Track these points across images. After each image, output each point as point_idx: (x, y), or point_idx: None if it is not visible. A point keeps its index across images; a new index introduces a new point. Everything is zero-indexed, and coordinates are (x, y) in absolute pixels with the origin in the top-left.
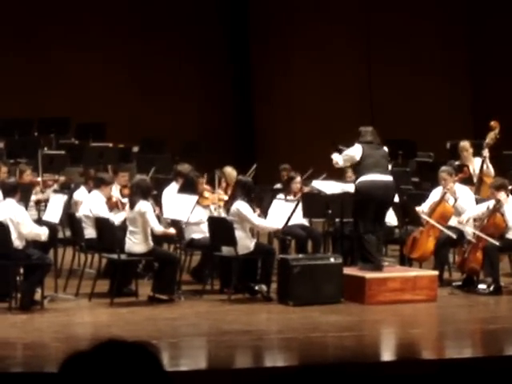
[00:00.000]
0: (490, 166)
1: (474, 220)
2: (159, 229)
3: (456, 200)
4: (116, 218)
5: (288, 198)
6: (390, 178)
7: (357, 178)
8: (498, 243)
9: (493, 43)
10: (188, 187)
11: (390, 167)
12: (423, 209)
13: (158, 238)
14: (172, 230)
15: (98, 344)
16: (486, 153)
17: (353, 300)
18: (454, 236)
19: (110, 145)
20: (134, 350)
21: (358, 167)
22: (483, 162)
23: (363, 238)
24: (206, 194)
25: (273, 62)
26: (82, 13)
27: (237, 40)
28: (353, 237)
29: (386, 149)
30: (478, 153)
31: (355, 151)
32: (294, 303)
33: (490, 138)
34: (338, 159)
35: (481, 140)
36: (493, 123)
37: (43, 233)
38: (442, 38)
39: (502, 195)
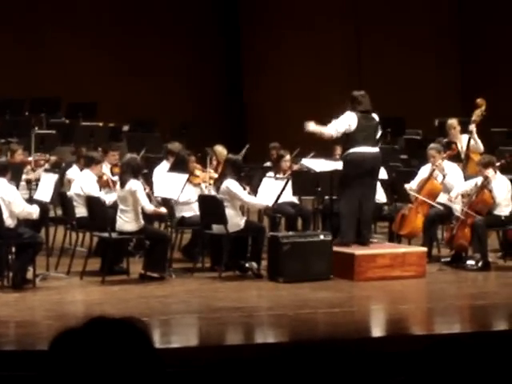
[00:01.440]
0: (479, 142)
1: (462, 196)
2: (150, 207)
3: (444, 177)
4: (107, 198)
5: (278, 176)
6: (377, 149)
7: (345, 150)
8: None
9: (482, 19)
10: (179, 166)
11: (379, 134)
12: (411, 186)
13: (149, 217)
14: (163, 209)
15: (86, 321)
16: (472, 129)
17: (342, 277)
18: (441, 208)
19: (101, 124)
20: (122, 327)
21: (348, 139)
22: (470, 138)
23: (341, 211)
24: (197, 172)
25: (263, 41)
26: None
27: (227, 18)
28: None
29: (377, 118)
30: (465, 130)
31: (350, 120)
32: (284, 280)
33: (477, 115)
34: (329, 130)
35: (468, 117)
36: (479, 100)
37: (35, 211)
38: (430, 13)
39: (489, 172)
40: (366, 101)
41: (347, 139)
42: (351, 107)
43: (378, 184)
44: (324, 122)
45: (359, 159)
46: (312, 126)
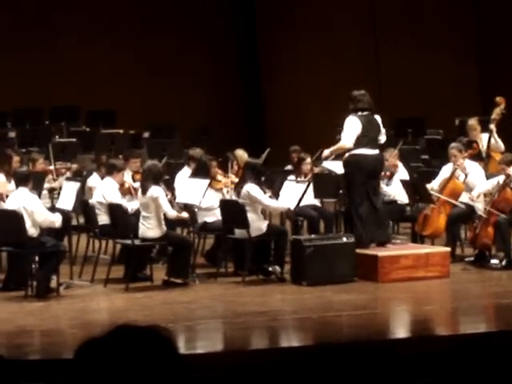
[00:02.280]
0: (499, 141)
1: (485, 195)
2: (172, 213)
3: (466, 176)
4: (129, 206)
5: (299, 179)
6: (377, 151)
7: (347, 151)
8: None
9: (500, 18)
10: (201, 171)
11: (383, 136)
12: (433, 186)
13: (172, 223)
14: (185, 214)
15: (111, 329)
16: (492, 128)
17: (366, 278)
18: (464, 207)
19: (121, 131)
20: (146, 335)
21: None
22: (490, 137)
23: (356, 212)
24: (219, 177)
25: (280, 42)
26: (88, 5)
27: (244, 21)
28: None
29: (379, 119)
30: (485, 129)
31: (355, 126)
32: (307, 283)
33: (496, 113)
34: (344, 143)
35: (488, 116)
36: (498, 99)
37: (57, 219)
38: (449, 12)
39: (511, 170)
40: (366, 99)
41: None
42: (352, 107)
43: (400, 185)
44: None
45: (361, 161)
46: (326, 152)
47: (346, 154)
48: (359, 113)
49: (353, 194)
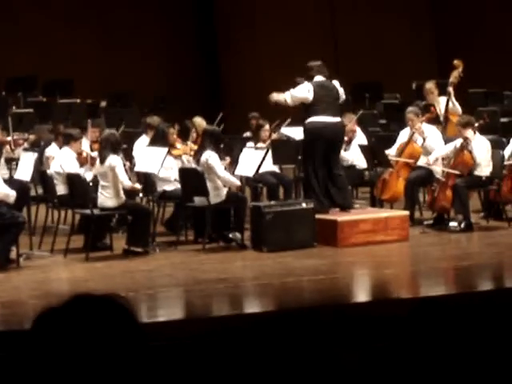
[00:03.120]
0: (456, 104)
1: (443, 159)
2: (128, 183)
3: (424, 140)
4: (87, 176)
5: (257, 145)
6: (338, 119)
7: (305, 119)
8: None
9: None
10: (159, 139)
11: (343, 97)
12: (391, 152)
13: (130, 192)
14: (137, 185)
15: (68, 299)
16: (450, 91)
17: (326, 244)
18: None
19: (78, 101)
20: (103, 303)
21: (309, 109)
22: (448, 100)
23: (311, 178)
24: (178, 144)
25: (236, 10)
26: None
27: None
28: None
29: (338, 85)
30: (443, 92)
31: (305, 92)
32: (267, 249)
33: (454, 76)
34: (285, 96)
35: (445, 79)
36: (456, 62)
37: (11, 194)
38: None
39: (469, 133)
40: (322, 70)
41: (306, 109)
42: (307, 77)
43: (358, 150)
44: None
45: (318, 129)
46: (274, 96)
47: (305, 121)
48: (314, 80)
49: (309, 161)
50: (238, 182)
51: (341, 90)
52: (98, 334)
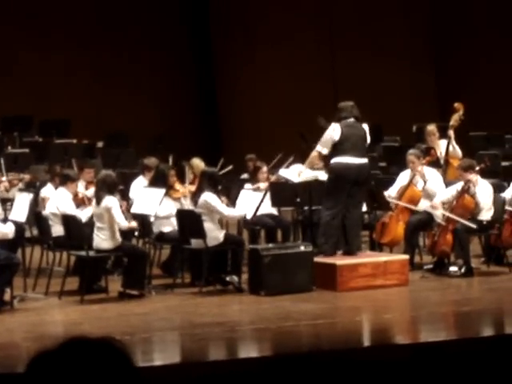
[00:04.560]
0: (457, 147)
1: (443, 203)
2: (125, 224)
3: (425, 183)
4: (83, 214)
5: (256, 186)
6: (364, 160)
7: (331, 158)
8: (472, 225)
9: (457, 24)
10: (158, 180)
11: (368, 140)
12: (390, 193)
13: (126, 233)
14: (133, 223)
15: (63, 342)
16: (450, 134)
17: (324, 287)
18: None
19: (75, 141)
20: (99, 346)
21: (335, 148)
22: (448, 143)
23: (327, 218)
24: (177, 186)
25: (236, 51)
26: (44, 11)
27: (199, 31)
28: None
29: (366, 127)
30: (443, 135)
31: (333, 132)
32: (265, 293)
33: (454, 119)
34: (319, 149)
35: (446, 122)
36: (456, 105)
37: (10, 231)
38: (404, 20)
39: (472, 176)
40: (351, 109)
41: (333, 149)
42: (337, 117)
43: None
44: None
45: (343, 169)
46: (304, 167)
47: (331, 161)
48: (344, 121)
49: (327, 201)
50: (242, 212)
51: (367, 134)
52: (94, 378)
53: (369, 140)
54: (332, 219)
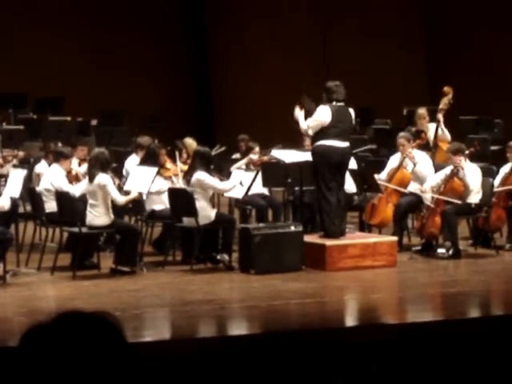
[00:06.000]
0: (446, 131)
1: (432, 187)
2: (121, 199)
3: (415, 165)
4: (76, 189)
5: (247, 158)
6: (347, 144)
7: (314, 141)
8: (458, 201)
9: (449, 8)
10: (150, 159)
11: (353, 123)
12: (381, 177)
13: (119, 210)
14: (133, 194)
15: (56, 316)
16: (439, 118)
17: (314, 267)
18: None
19: (69, 118)
20: (92, 321)
21: (321, 132)
22: (437, 127)
23: (325, 200)
24: (168, 165)
25: (228, 32)
26: None
27: (192, 10)
28: (312, 204)
29: (352, 112)
30: (433, 118)
31: (324, 116)
32: (255, 272)
33: (444, 103)
34: (305, 127)
35: (437, 106)
36: (446, 88)
37: (6, 203)
38: (397, 2)
39: (461, 159)
40: (340, 90)
41: (318, 132)
42: (326, 98)
43: (348, 174)
44: (292, 110)
45: (326, 152)
46: (297, 112)
47: (314, 144)
48: (333, 103)
49: (320, 185)
50: (236, 183)
51: (353, 118)
52: (87, 352)
53: (354, 122)
54: (331, 201)
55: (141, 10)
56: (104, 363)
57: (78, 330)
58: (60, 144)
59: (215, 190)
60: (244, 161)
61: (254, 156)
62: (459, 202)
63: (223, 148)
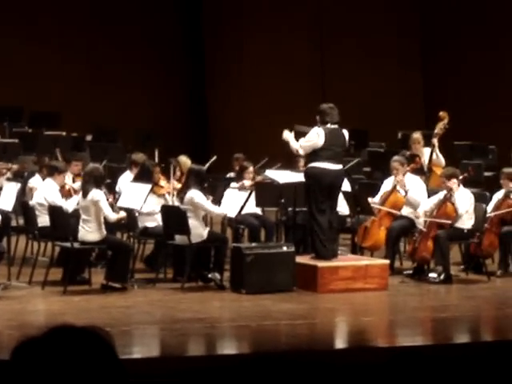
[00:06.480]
0: (440, 156)
1: (425, 211)
2: (113, 217)
3: (406, 192)
4: (70, 203)
5: (240, 183)
6: (339, 166)
7: (307, 163)
8: (449, 221)
9: (446, 33)
10: (143, 176)
11: (346, 146)
12: (374, 200)
13: (111, 226)
14: (122, 213)
15: (48, 329)
16: (434, 142)
17: (305, 288)
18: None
19: (64, 133)
20: (84, 335)
21: (314, 154)
22: (432, 151)
23: (316, 222)
24: (162, 182)
25: (226, 50)
26: (37, 2)
27: (190, 27)
28: (305, 225)
29: (346, 133)
30: (427, 143)
31: (317, 138)
32: (246, 291)
33: (439, 127)
34: (297, 147)
35: (432, 130)
36: (441, 113)
37: None
38: (394, 26)
39: (453, 184)
40: (334, 113)
41: (311, 154)
42: (320, 120)
43: (341, 196)
44: (285, 127)
45: (318, 174)
46: (286, 134)
47: (307, 166)
48: (327, 125)
49: (312, 207)
50: (226, 211)
51: (347, 140)
52: (78, 366)
53: (347, 145)
54: (321, 223)
55: (138, 27)
56: (95, 378)
57: (70, 345)
58: (59, 155)
59: (205, 211)
60: (237, 185)
61: (247, 182)
62: (449, 221)
63: (214, 158)
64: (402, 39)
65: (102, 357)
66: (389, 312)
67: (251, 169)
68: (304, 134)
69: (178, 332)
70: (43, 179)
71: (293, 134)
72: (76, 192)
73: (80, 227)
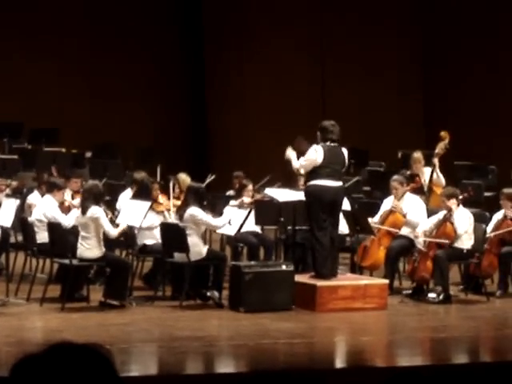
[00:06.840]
0: (441, 175)
1: (425, 231)
2: (114, 232)
3: (404, 216)
4: (69, 218)
5: (240, 200)
6: (339, 183)
7: (307, 181)
8: (447, 241)
9: (447, 53)
10: (142, 193)
11: (346, 164)
12: (374, 220)
13: (110, 243)
14: (122, 225)
15: (48, 346)
16: (435, 162)
17: (304, 307)
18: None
19: (63, 150)
20: (84, 352)
21: (313, 171)
22: (433, 171)
23: (317, 241)
24: (161, 199)
25: (227, 68)
26: (36, 18)
27: (190, 42)
28: (304, 244)
29: (345, 151)
30: (428, 163)
31: (316, 155)
32: (245, 310)
33: (440, 147)
34: (298, 166)
35: (432, 150)
36: (442, 133)
37: None
38: (395, 46)
39: (453, 204)
40: (336, 130)
41: (311, 171)
42: (321, 137)
43: (341, 215)
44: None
45: (319, 192)
46: (289, 152)
47: (307, 184)
48: (327, 143)
49: (313, 225)
50: (228, 220)
51: (346, 158)
52: (78, 383)
53: (346, 163)
54: (323, 241)
55: (138, 42)
56: None
57: (70, 362)
58: (54, 172)
59: (208, 226)
60: (236, 203)
61: (246, 199)
62: (448, 241)
63: (213, 177)
64: (402, 58)
65: (103, 374)
66: (388, 332)
67: (250, 187)
68: (304, 153)
69: (176, 350)
70: (42, 196)
71: (295, 153)
72: (75, 208)
73: (79, 244)
